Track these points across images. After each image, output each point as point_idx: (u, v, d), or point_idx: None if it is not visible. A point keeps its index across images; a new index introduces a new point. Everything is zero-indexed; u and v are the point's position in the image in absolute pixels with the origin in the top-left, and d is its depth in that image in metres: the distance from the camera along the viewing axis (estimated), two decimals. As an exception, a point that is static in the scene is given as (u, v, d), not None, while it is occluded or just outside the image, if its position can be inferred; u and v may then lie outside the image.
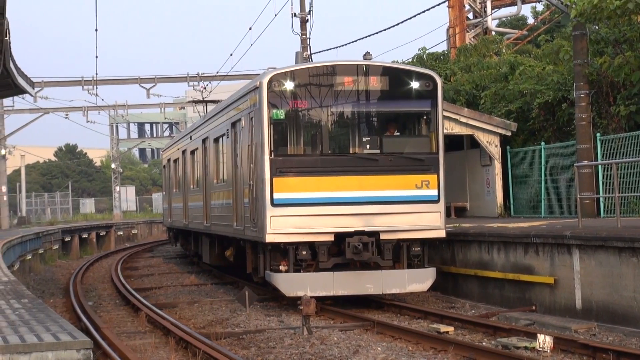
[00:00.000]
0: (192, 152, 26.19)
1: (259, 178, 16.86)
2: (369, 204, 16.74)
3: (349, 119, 17.76)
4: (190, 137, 26.63)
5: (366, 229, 16.64)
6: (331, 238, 16.61)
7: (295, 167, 16.77)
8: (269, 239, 16.52)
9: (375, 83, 17.22)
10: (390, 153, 17.07)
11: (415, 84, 17.37)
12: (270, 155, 16.56)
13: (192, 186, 26.42)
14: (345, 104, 17.26)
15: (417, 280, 16.97)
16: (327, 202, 16.62)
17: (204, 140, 23.73)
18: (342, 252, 16.70)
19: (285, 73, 16.94)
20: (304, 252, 16.60)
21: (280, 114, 16.76)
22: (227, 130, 20.02)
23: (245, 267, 19.12)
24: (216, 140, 21.92)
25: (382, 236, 16.75)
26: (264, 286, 18.81)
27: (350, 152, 17.49)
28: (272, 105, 16.70)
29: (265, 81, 16.75)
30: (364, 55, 19.02)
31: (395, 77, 17.46)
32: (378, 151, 17.16)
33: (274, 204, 16.49)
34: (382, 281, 16.75)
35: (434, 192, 17.04)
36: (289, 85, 16.85)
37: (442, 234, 17.21)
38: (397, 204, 16.86)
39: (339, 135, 17.85)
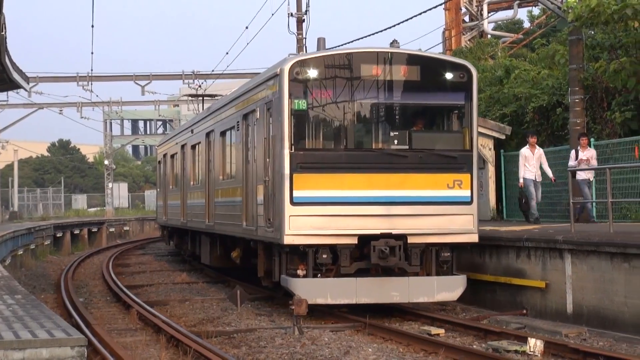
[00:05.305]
0: (193, 147, 24.75)
1: (277, 174, 15.52)
2: (397, 205, 15.42)
3: (376, 111, 16.20)
4: (192, 131, 25.16)
5: (393, 232, 15.30)
6: (355, 241, 15.30)
7: (317, 162, 15.38)
8: (288, 240, 15.14)
9: (406, 73, 15.89)
10: (420, 149, 15.68)
11: (448, 75, 15.98)
12: (291, 150, 15.19)
13: (192, 183, 25.11)
14: (372, 95, 15.79)
15: (447, 289, 15.68)
16: (351, 201, 15.28)
17: (208, 134, 22.22)
18: (365, 256, 15.43)
19: (309, 60, 15.53)
20: (324, 256, 15.27)
21: (302, 104, 15.34)
22: (238, 122, 18.59)
23: (252, 269, 18.15)
24: (223, 133, 20.46)
25: (410, 240, 15.44)
26: (259, 286, 18.54)
27: (377, 147, 15.97)
28: (293, 94, 15.31)
29: (286, 68, 15.29)
30: (391, 43, 17.21)
31: (428, 67, 16.10)
32: (407, 147, 15.72)
33: (293, 202, 15.13)
34: (408, 289, 15.43)
35: (467, 192, 15.74)
36: (312, 73, 15.38)
37: (474, 238, 15.91)
38: (426, 205, 15.54)
39: (365, 129, 16.27)
